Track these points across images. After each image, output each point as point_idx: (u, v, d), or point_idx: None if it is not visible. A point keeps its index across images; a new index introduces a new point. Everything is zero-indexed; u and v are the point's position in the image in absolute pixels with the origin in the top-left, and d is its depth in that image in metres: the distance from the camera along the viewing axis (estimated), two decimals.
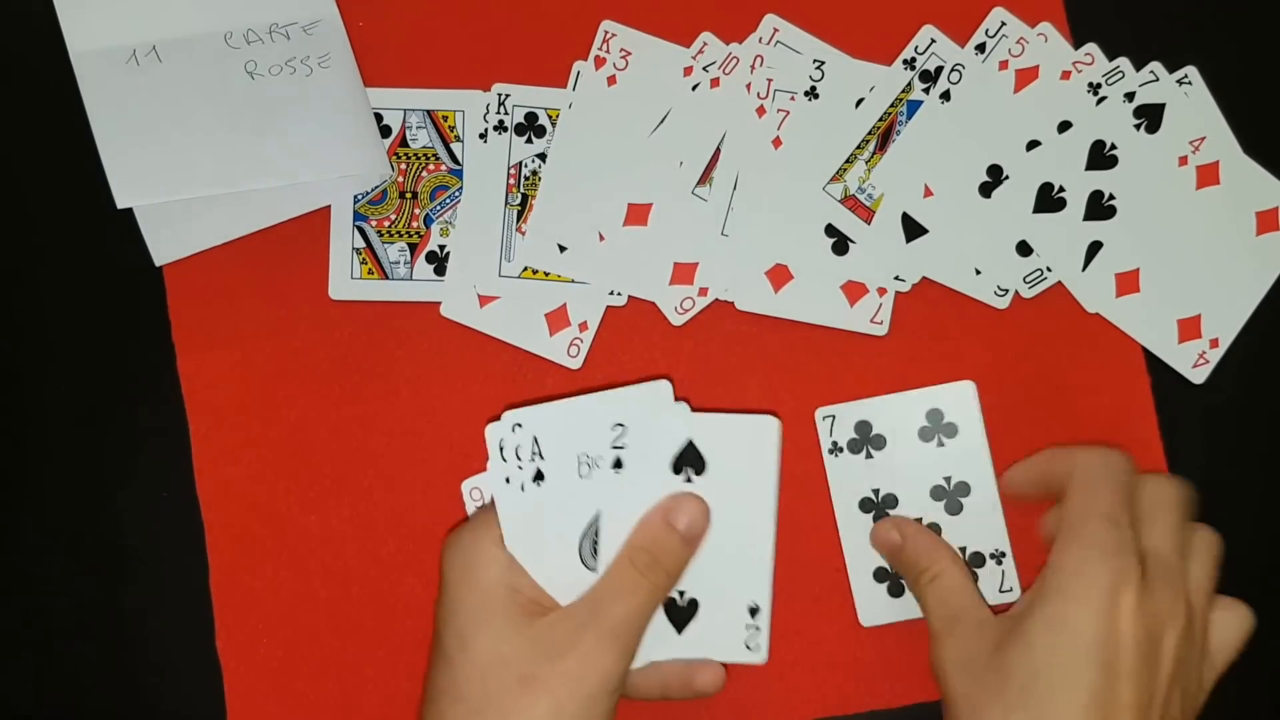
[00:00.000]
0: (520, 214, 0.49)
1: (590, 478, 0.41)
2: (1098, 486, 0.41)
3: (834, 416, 0.47)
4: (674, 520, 0.40)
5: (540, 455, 0.40)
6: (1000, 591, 0.46)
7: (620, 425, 0.40)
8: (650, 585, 0.40)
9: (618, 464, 0.40)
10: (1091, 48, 0.49)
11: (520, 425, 0.40)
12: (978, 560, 0.46)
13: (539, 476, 0.41)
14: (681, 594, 0.42)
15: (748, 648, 0.42)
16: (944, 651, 0.41)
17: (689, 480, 0.41)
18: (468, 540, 0.41)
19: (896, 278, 0.48)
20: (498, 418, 0.41)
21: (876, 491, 0.46)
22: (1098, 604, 0.38)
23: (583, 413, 0.41)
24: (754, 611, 0.42)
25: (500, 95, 0.49)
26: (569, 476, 0.41)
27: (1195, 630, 0.40)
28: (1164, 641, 0.39)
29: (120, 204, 0.44)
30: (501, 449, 0.41)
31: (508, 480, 0.41)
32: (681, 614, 0.42)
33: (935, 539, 0.44)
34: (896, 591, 0.46)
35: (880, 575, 0.46)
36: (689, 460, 0.41)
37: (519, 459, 0.40)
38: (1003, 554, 0.46)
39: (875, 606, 0.47)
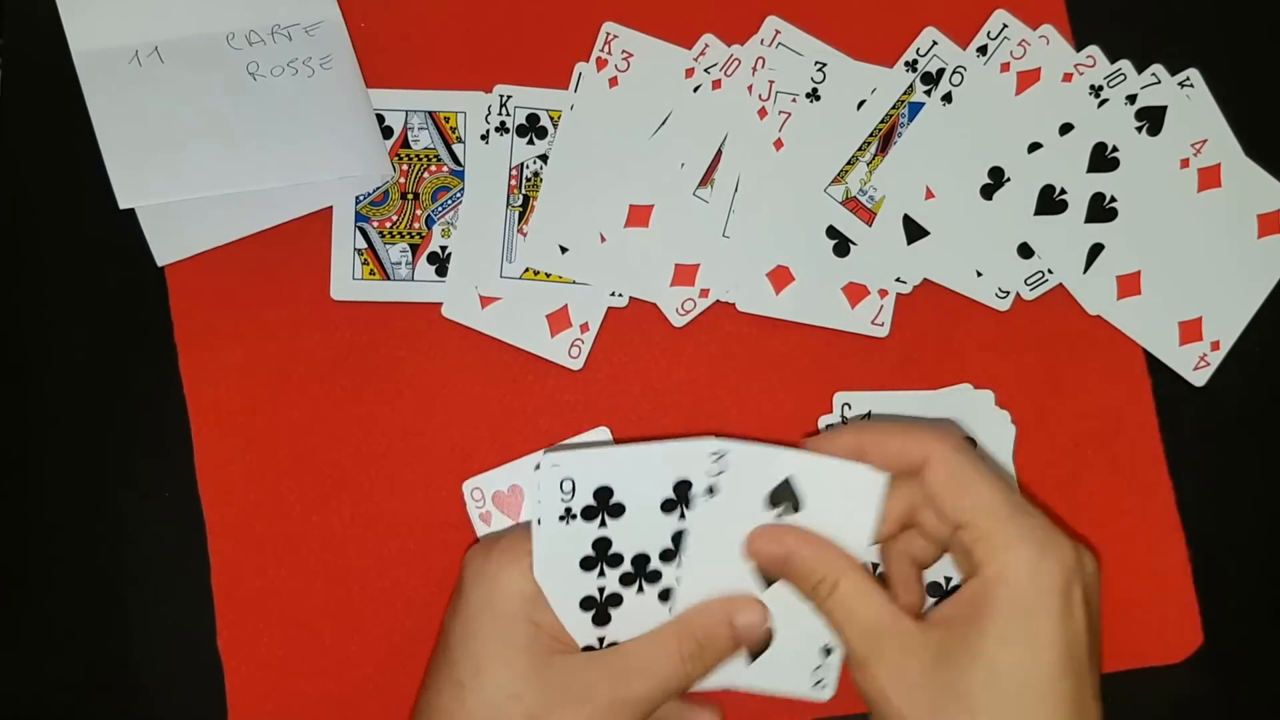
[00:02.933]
0: (522, 215, 0.49)
1: (655, 520, 0.39)
2: (983, 476, 0.37)
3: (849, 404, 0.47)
4: (736, 618, 0.39)
5: (588, 500, 0.38)
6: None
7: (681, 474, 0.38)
8: (684, 674, 0.39)
9: (676, 509, 0.39)
10: (1093, 50, 0.49)
11: (562, 467, 0.38)
12: None
13: (582, 516, 0.39)
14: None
15: (816, 684, 0.41)
16: (878, 677, 0.36)
17: (781, 516, 0.39)
18: (496, 561, 0.39)
19: (898, 279, 0.48)
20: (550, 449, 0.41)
21: None
22: (1056, 611, 0.35)
23: (639, 462, 0.38)
24: (828, 651, 0.41)
25: (502, 96, 0.49)
26: (624, 520, 0.39)
27: None
28: (1097, 597, 0.37)
29: (123, 204, 0.44)
30: (553, 485, 0.38)
31: (552, 517, 0.38)
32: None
33: (824, 542, 0.38)
34: None
35: None
36: (785, 496, 0.39)
37: (565, 495, 0.38)
38: None
39: None
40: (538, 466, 0.38)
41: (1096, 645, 0.37)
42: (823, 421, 0.48)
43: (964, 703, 0.35)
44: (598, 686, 0.38)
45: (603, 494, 0.38)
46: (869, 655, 0.37)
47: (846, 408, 0.48)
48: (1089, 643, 0.36)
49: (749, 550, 0.39)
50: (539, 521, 0.38)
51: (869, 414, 0.48)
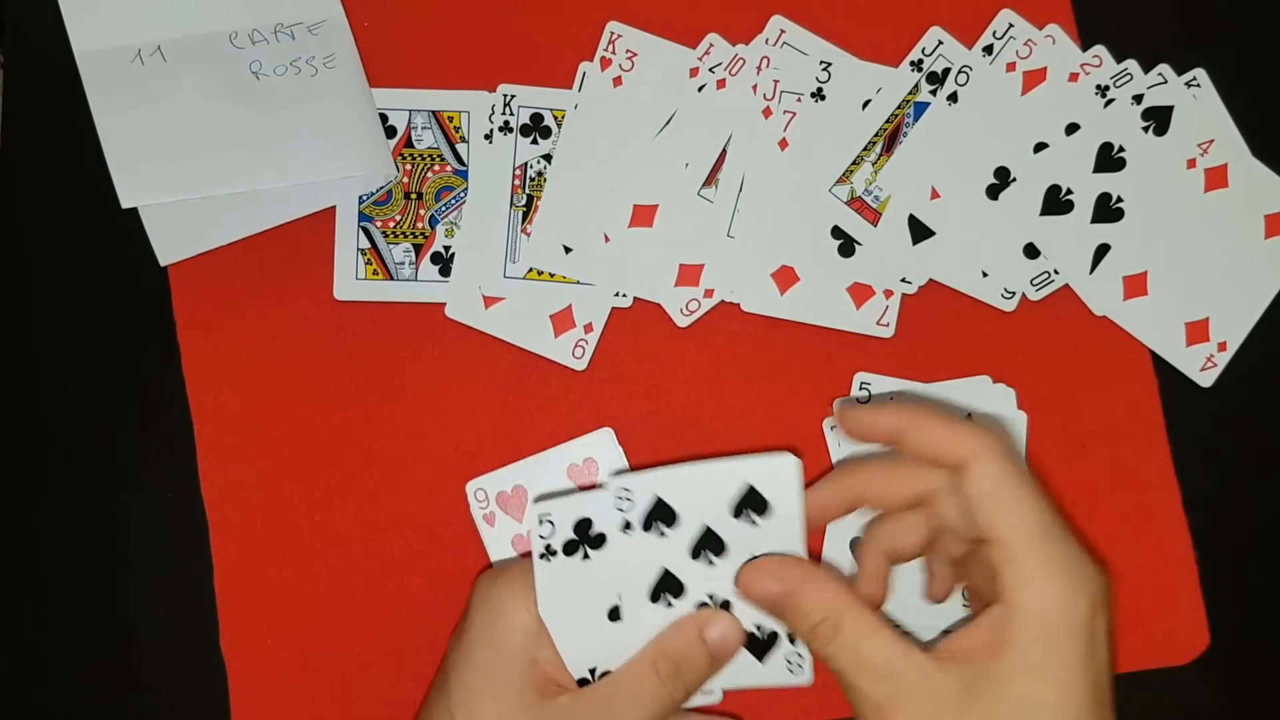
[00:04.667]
0: (525, 215, 0.49)
1: (627, 550, 0.39)
2: (1027, 491, 0.35)
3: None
4: (706, 632, 0.38)
5: (583, 534, 0.39)
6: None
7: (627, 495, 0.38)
8: (666, 696, 0.38)
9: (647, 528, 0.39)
10: (1099, 50, 0.49)
11: (552, 514, 0.39)
12: None
13: (575, 550, 0.39)
14: (759, 627, 0.39)
15: (790, 671, 0.40)
16: None
17: (749, 519, 0.38)
18: (501, 593, 0.39)
19: (903, 280, 0.48)
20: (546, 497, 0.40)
21: None
22: (1084, 645, 0.34)
23: (625, 492, 0.39)
24: (793, 638, 0.39)
25: (506, 96, 0.49)
26: (608, 553, 0.39)
27: None
28: (1114, 621, 0.36)
29: (125, 204, 0.44)
30: (542, 520, 0.39)
31: (547, 550, 0.39)
32: (762, 645, 0.40)
33: (820, 573, 0.36)
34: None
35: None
36: (749, 504, 0.38)
37: (555, 531, 0.39)
38: None
39: None
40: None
41: (1113, 671, 0.35)
42: (827, 424, 0.48)
43: None
44: None
45: (582, 527, 0.38)
46: (886, 701, 0.34)
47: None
48: (1110, 672, 0.35)
49: (741, 589, 0.37)
50: (537, 561, 0.39)
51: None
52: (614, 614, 0.39)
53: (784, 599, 0.36)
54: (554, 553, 0.39)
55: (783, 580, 0.36)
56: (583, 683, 0.40)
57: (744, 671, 0.40)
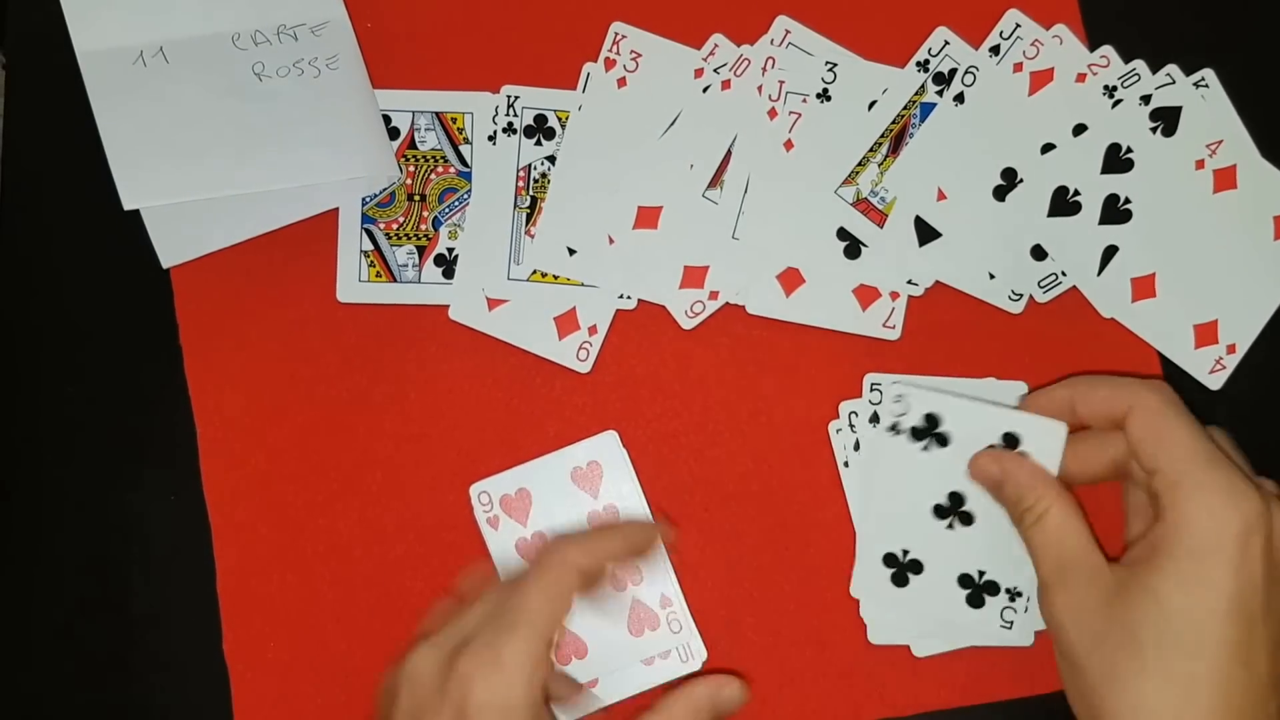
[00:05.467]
0: (529, 216, 0.48)
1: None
2: (1183, 427, 0.40)
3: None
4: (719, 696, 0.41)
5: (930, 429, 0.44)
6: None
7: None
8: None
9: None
10: (1107, 50, 0.49)
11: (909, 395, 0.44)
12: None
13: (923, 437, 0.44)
14: (979, 572, 0.44)
15: (1002, 628, 0.44)
16: (1056, 603, 0.39)
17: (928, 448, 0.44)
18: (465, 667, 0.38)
19: (909, 282, 0.48)
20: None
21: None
22: (1232, 557, 0.37)
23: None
24: (1013, 595, 0.44)
25: (509, 97, 0.49)
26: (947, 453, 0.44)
27: None
28: None
29: (127, 205, 0.43)
30: (899, 399, 0.44)
31: (894, 427, 0.44)
32: (977, 593, 0.44)
33: (1040, 472, 0.42)
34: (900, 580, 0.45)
35: (892, 573, 0.45)
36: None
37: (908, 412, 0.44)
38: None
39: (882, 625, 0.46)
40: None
41: (1272, 588, 0.38)
42: (832, 426, 0.47)
43: (1130, 636, 0.37)
44: None
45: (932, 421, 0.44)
46: (1054, 583, 0.40)
47: (853, 415, 0.47)
48: (1265, 593, 0.37)
49: (971, 470, 0.43)
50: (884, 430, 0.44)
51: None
52: (939, 511, 0.44)
53: (1002, 482, 0.42)
54: (899, 431, 0.43)
55: (1001, 466, 0.42)
56: None
57: (961, 629, 0.45)
